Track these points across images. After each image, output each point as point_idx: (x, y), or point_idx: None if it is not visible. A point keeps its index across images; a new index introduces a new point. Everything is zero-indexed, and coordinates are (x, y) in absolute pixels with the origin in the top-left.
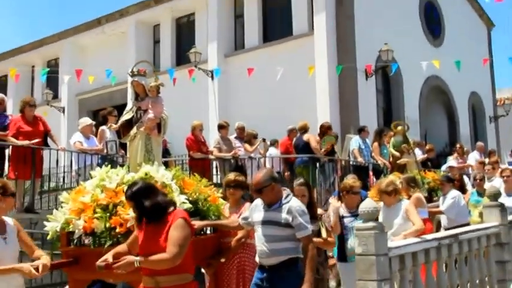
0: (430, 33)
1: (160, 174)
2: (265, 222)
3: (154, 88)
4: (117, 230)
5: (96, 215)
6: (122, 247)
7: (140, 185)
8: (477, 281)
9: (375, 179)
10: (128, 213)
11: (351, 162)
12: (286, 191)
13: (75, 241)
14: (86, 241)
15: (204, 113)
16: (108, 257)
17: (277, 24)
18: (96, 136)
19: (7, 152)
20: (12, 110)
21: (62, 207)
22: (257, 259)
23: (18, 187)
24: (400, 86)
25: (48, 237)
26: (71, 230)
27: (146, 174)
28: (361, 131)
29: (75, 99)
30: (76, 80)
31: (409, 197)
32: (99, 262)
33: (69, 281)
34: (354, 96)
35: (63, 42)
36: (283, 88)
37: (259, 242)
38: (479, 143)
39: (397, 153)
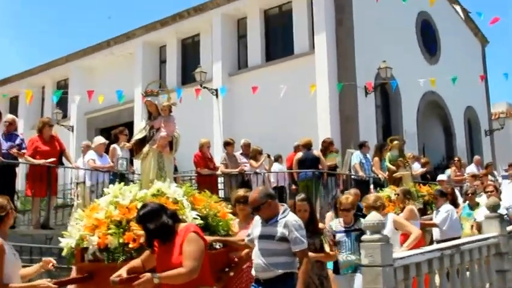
0: (426, 51)
1: (172, 191)
2: (262, 237)
3: (167, 107)
4: (130, 246)
5: (110, 231)
6: (136, 262)
7: (146, 209)
8: None
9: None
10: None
11: (352, 176)
12: (283, 206)
13: (89, 256)
14: (100, 257)
15: (209, 130)
16: (122, 272)
17: (279, 44)
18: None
19: (20, 170)
20: (23, 129)
21: (77, 223)
22: (253, 272)
23: (34, 204)
24: (398, 102)
25: (63, 253)
26: (85, 246)
27: (158, 190)
28: (362, 146)
29: (84, 118)
30: (84, 99)
31: (403, 208)
32: (114, 277)
33: None
34: (354, 112)
35: (72, 64)
36: (286, 105)
37: (256, 256)
38: (477, 157)
39: (393, 167)
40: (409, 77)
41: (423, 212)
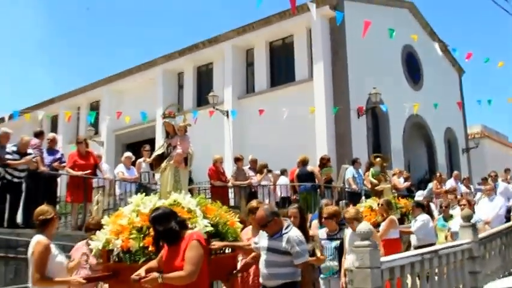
0: (411, 79)
1: (186, 201)
2: (268, 249)
3: (183, 128)
4: (150, 249)
5: (132, 236)
6: (153, 263)
7: (157, 212)
8: None
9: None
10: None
11: (346, 189)
12: (287, 222)
13: (114, 257)
14: (123, 258)
15: (221, 147)
16: (141, 272)
17: (282, 72)
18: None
19: (60, 180)
20: (62, 143)
21: (104, 228)
22: (261, 280)
23: (73, 209)
24: (386, 124)
25: (93, 254)
26: (110, 248)
27: (175, 201)
28: (354, 162)
29: (113, 135)
30: (113, 118)
31: (384, 217)
32: (134, 276)
33: None
34: (347, 132)
35: (103, 88)
36: (288, 125)
37: (262, 266)
38: (455, 172)
39: (375, 181)
40: (396, 101)
41: (401, 222)
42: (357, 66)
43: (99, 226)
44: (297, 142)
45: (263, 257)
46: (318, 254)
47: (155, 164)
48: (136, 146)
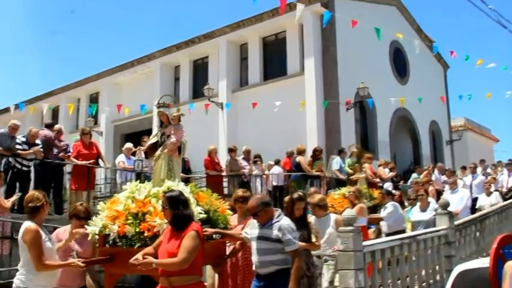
0: (398, 73)
1: (180, 188)
2: (259, 238)
3: (177, 117)
4: (145, 234)
5: (128, 222)
6: (149, 249)
7: (173, 193)
8: (430, 271)
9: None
10: (155, 221)
11: (334, 179)
12: (278, 211)
13: (110, 242)
14: (119, 242)
15: (215, 138)
16: (139, 256)
17: (274, 66)
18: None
19: (65, 169)
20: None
21: (99, 214)
22: (254, 268)
23: (77, 196)
24: (374, 116)
25: (89, 238)
26: (107, 232)
27: (168, 188)
28: (341, 152)
29: (111, 125)
30: (112, 110)
31: (354, 204)
32: (132, 260)
33: (105, 275)
34: (336, 124)
35: (102, 80)
36: (280, 118)
37: (254, 255)
38: (440, 164)
39: (350, 171)
40: (383, 95)
41: (373, 212)
42: (346, 61)
43: (88, 213)
44: (288, 133)
45: (254, 245)
46: (314, 239)
47: (149, 153)
48: (135, 136)
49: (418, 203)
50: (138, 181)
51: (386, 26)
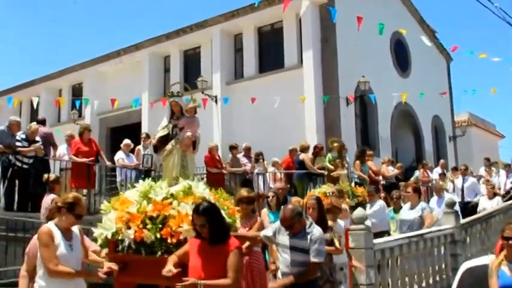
0: (399, 66)
1: (201, 189)
2: (293, 248)
3: (192, 109)
4: (169, 241)
5: (148, 226)
6: (175, 258)
7: (212, 203)
8: (437, 268)
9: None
10: (181, 226)
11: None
12: (309, 220)
13: (124, 248)
14: (134, 249)
15: (209, 132)
16: (171, 268)
17: (271, 58)
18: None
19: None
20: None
21: (104, 214)
22: (280, 276)
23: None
24: (374, 111)
25: (98, 243)
26: (120, 238)
27: (188, 188)
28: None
29: (97, 118)
30: (97, 102)
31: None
32: (165, 272)
33: (115, 284)
34: (336, 120)
35: (86, 70)
36: (276, 112)
37: (284, 265)
38: (442, 161)
39: (331, 167)
40: (384, 89)
41: None
42: (346, 53)
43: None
44: (285, 129)
45: (284, 255)
46: (337, 244)
47: (160, 147)
48: (122, 129)
49: (408, 202)
50: (149, 179)
51: (388, 16)
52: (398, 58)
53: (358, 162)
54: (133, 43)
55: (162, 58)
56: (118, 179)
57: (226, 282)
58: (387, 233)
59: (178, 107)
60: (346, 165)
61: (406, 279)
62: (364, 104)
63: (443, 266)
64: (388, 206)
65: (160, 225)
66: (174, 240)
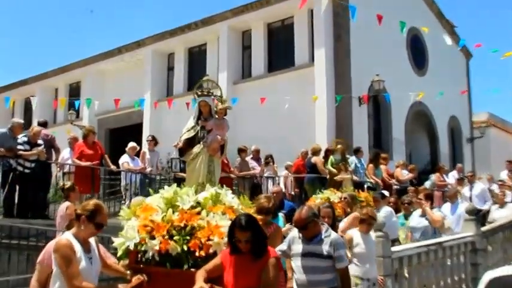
0: (415, 64)
1: (230, 198)
2: (305, 255)
3: (223, 110)
4: (197, 254)
5: (175, 238)
6: (203, 273)
7: (252, 216)
8: (456, 278)
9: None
10: (212, 239)
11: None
12: (324, 225)
13: (149, 259)
14: (161, 261)
15: None
16: (202, 284)
17: (281, 56)
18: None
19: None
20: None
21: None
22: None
23: (81, 199)
24: (388, 111)
25: (119, 255)
26: (143, 249)
27: (216, 196)
28: (357, 151)
29: (95, 119)
30: (96, 102)
31: (347, 213)
32: None
33: None
34: (348, 121)
35: (85, 69)
36: (286, 113)
37: (299, 273)
38: (459, 165)
39: (334, 170)
40: (399, 88)
41: None
42: (359, 51)
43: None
44: (295, 130)
45: (298, 262)
46: (349, 255)
47: (184, 149)
48: (122, 131)
49: (419, 209)
50: (175, 184)
51: (404, 10)
52: (415, 55)
53: (371, 165)
54: (135, 40)
55: (166, 56)
56: (123, 183)
57: None
58: (397, 241)
59: (208, 108)
60: (349, 168)
61: None
62: (377, 104)
63: (463, 275)
64: (398, 211)
65: (187, 237)
66: (203, 254)
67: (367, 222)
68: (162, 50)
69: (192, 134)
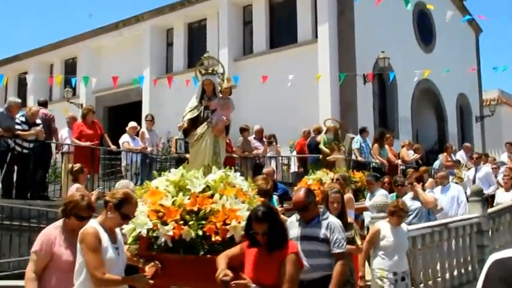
0: (422, 40)
1: (240, 180)
2: (304, 238)
3: (228, 90)
4: (213, 239)
5: (190, 223)
6: (224, 259)
7: (270, 206)
8: (462, 260)
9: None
10: (228, 223)
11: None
12: (322, 208)
13: (161, 246)
14: (174, 247)
15: None
16: (227, 271)
17: (283, 32)
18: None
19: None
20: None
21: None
22: None
23: None
24: (394, 89)
25: (129, 242)
26: (155, 235)
27: (226, 178)
28: (363, 131)
29: (92, 96)
30: (92, 79)
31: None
32: (223, 277)
33: None
34: (353, 99)
35: (81, 44)
36: (288, 91)
37: None
38: (466, 144)
39: (327, 150)
40: (405, 65)
41: (355, 197)
42: (364, 27)
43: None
44: (298, 109)
45: (298, 247)
46: (359, 242)
47: (189, 130)
48: (120, 109)
49: (410, 192)
50: (182, 167)
51: None
52: (422, 31)
53: (376, 145)
54: (133, 15)
55: (165, 31)
56: (123, 163)
57: None
58: None
59: (212, 87)
60: (343, 148)
61: (429, 271)
62: (383, 82)
63: (468, 257)
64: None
65: (204, 222)
66: (219, 238)
67: (397, 215)
68: (161, 25)
69: (195, 114)
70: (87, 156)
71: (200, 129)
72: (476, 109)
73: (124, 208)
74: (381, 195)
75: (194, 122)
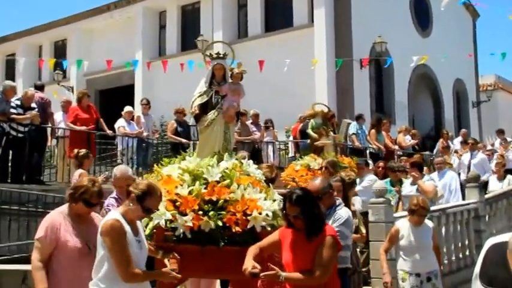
0: (419, 25)
1: (253, 169)
2: None
3: (240, 75)
4: (234, 230)
5: (210, 213)
6: (255, 250)
7: (306, 191)
8: (460, 245)
9: (371, 162)
10: (248, 213)
11: (348, 145)
12: (339, 200)
13: (180, 237)
14: (194, 239)
15: None
16: (255, 263)
17: (278, 15)
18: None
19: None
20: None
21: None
22: None
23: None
24: (391, 74)
25: (146, 233)
26: (173, 226)
27: (240, 166)
28: (359, 118)
29: (83, 79)
30: (84, 61)
31: None
32: (252, 269)
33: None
34: (349, 84)
35: (71, 26)
36: (284, 76)
37: None
38: (463, 130)
39: (315, 135)
40: (402, 50)
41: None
42: (361, 10)
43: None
44: (293, 94)
45: None
46: (363, 230)
47: (199, 115)
48: (112, 92)
49: (410, 178)
50: (195, 154)
51: None
52: (419, 15)
53: (373, 131)
54: None
55: (157, 14)
56: (119, 148)
57: (311, 278)
58: None
59: (222, 71)
60: (331, 133)
61: None
62: (379, 67)
63: (466, 242)
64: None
65: (223, 212)
66: (240, 229)
67: (418, 214)
68: (153, 7)
69: (205, 99)
70: (83, 141)
71: (211, 115)
72: (472, 94)
73: (147, 201)
74: (369, 180)
75: (204, 107)
